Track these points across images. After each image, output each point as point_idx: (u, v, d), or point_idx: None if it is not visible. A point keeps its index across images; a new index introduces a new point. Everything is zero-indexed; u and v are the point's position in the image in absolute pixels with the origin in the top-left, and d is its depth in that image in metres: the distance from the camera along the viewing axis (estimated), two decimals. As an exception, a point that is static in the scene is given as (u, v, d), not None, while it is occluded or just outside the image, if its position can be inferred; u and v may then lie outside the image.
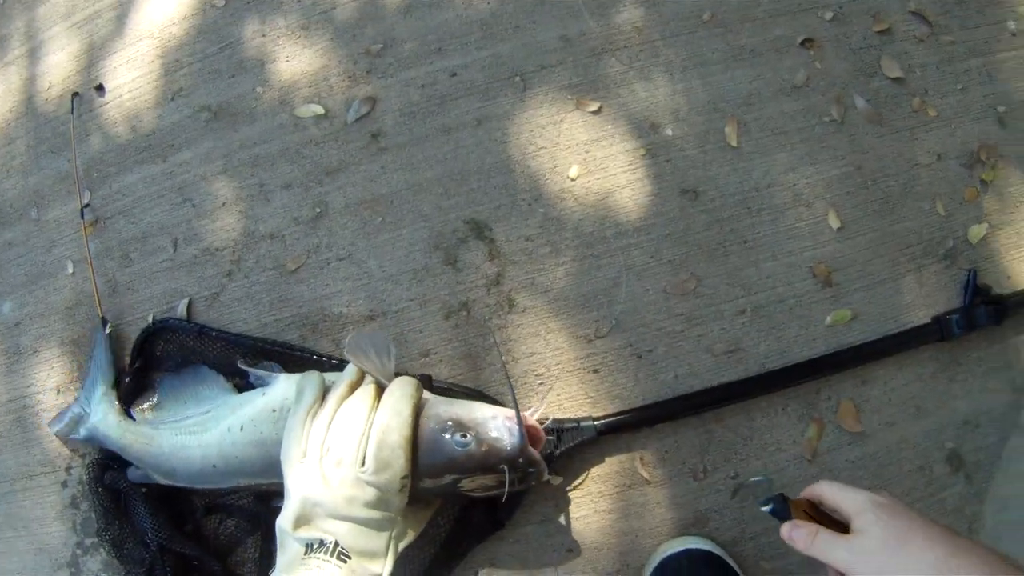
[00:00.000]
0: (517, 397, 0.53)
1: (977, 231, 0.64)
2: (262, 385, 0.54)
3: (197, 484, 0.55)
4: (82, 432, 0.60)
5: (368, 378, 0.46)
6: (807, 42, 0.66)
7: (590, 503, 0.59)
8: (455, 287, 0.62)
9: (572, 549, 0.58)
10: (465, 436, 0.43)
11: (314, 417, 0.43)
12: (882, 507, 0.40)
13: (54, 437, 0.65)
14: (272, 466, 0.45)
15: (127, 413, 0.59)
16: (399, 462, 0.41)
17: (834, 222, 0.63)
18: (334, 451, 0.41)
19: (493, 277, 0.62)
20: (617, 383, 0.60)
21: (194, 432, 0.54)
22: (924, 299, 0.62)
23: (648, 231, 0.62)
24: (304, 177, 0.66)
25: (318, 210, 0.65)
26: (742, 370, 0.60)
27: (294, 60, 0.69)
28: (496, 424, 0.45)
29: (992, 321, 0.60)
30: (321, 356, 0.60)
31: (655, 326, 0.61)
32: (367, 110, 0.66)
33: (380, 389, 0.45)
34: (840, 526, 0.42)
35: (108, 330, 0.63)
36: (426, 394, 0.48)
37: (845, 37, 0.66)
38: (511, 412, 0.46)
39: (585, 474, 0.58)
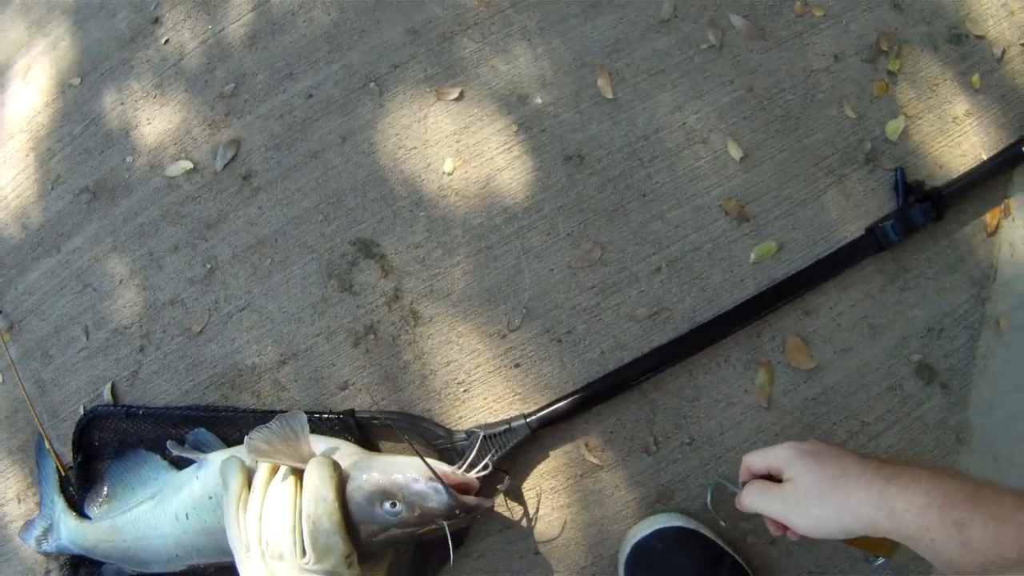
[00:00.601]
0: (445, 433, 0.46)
1: (895, 126, 0.54)
2: (195, 462, 0.48)
3: (168, 570, 0.49)
4: (53, 546, 0.56)
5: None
6: (666, -28, 0.56)
7: (545, 501, 0.50)
8: (356, 312, 0.53)
9: (539, 551, 0.49)
10: (395, 505, 0.40)
11: (244, 508, 0.40)
12: (808, 453, 0.36)
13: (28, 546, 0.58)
14: (226, 549, 0.42)
15: (83, 513, 0.54)
16: (338, 545, 0.38)
17: (735, 152, 0.53)
18: (272, 545, 0.38)
19: (391, 293, 0.53)
20: (543, 373, 0.50)
21: (150, 522, 0.49)
22: (853, 211, 0.52)
23: (539, 208, 0.52)
24: (188, 236, 0.58)
25: (208, 266, 0.57)
26: (671, 330, 0.50)
27: (155, 121, 0.60)
28: (419, 488, 0.40)
29: (931, 218, 0.50)
30: (245, 411, 0.52)
31: (568, 305, 0.51)
32: (233, 153, 0.57)
33: (300, 472, 0.40)
34: None
35: (47, 445, 0.56)
36: (345, 452, 0.43)
37: (706, -42, 0.56)
38: (437, 465, 0.41)
39: (532, 472, 0.49)
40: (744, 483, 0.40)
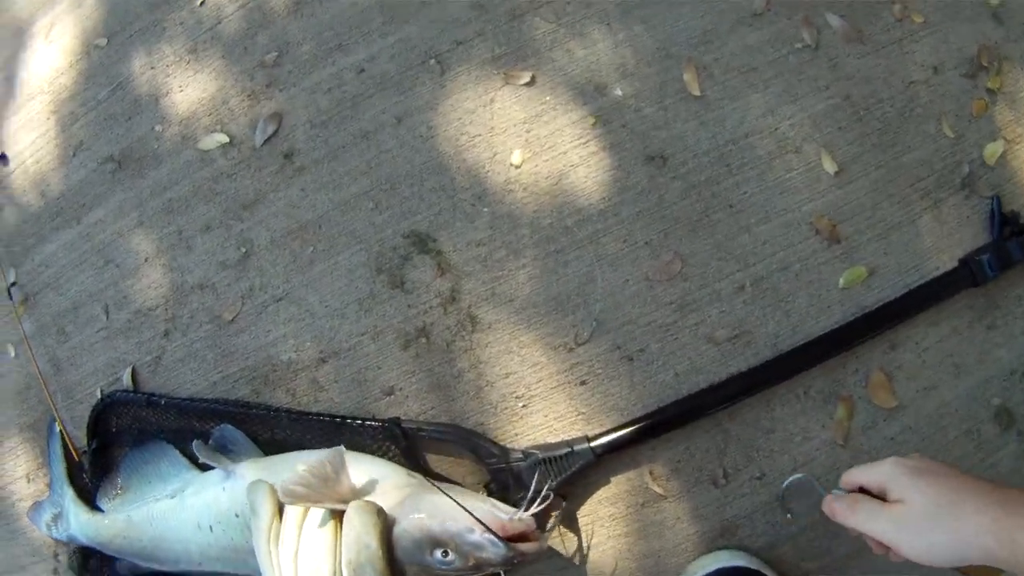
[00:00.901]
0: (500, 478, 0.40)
1: (993, 149, 0.47)
2: (221, 470, 0.42)
3: (189, 571, 0.44)
4: (63, 535, 0.49)
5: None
6: (763, -39, 0.49)
7: (602, 529, 0.43)
8: (408, 312, 0.46)
9: None
10: (447, 555, 0.35)
11: (276, 540, 0.35)
12: (918, 472, 0.31)
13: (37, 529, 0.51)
14: (256, 567, 0.38)
15: (94, 504, 0.47)
16: None
17: (829, 166, 0.46)
18: None
19: (448, 294, 0.46)
20: (610, 392, 0.44)
21: (170, 524, 0.43)
22: (946, 239, 0.46)
23: (616, 212, 0.45)
24: (222, 215, 0.50)
25: (243, 250, 0.49)
26: (752, 355, 0.44)
27: (188, 88, 0.52)
28: (474, 540, 0.35)
29: None
30: (278, 410, 0.45)
31: (643, 321, 0.44)
32: (274, 128, 0.49)
33: (339, 512, 0.36)
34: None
35: (59, 428, 0.50)
36: (389, 485, 0.37)
37: (804, -51, 0.49)
38: (493, 512, 0.36)
39: (591, 498, 0.43)
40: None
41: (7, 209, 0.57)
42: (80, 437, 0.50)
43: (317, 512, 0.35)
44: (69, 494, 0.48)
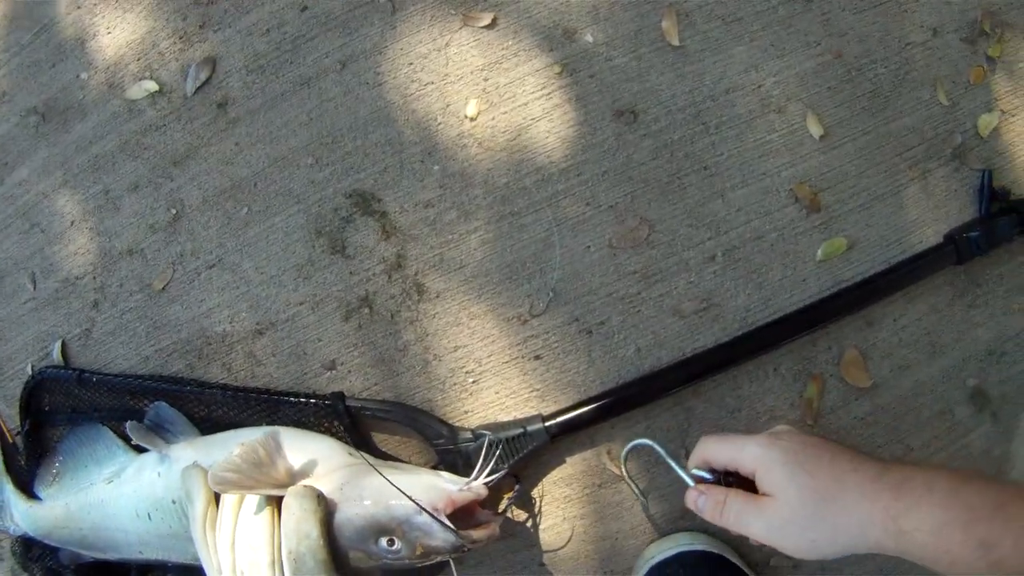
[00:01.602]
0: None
1: (987, 121, 0.39)
2: (155, 453, 0.36)
3: (132, 560, 0.37)
4: (8, 527, 0.42)
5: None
6: (753, -101, 0.39)
7: (556, 510, 0.37)
8: (349, 279, 0.37)
9: (544, 563, 0.36)
10: (392, 543, 0.29)
11: (213, 527, 0.30)
12: (792, 459, 0.25)
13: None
14: (195, 556, 0.32)
15: (33, 494, 0.40)
16: None
17: (815, 128, 0.37)
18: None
19: (393, 260, 0.37)
20: (567, 368, 0.36)
21: (108, 512, 0.37)
22: (933, 212, 0.38)
23: (578, 171, 0.37)
24: (150, 173, 0.40)
25: (174, 211, 0.40)
26: (720, 330, 0.36)
27: (116, 30, 0.42)
28: (421, 523, 0.29)
29: (1016, 232, 0.36)
30: (213, 386, 0.37)
31: (604, 291, 0.36)
32: (207, 75, 0.39)
33: (278, 498, 0.30)
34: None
35: None
36: (330, 467, 0.31)
37: None
38: (440, 485, 0.30)
39: (545, 479, 0.36)
40: (695, 469, 0.28)
41: (-71, 167, 0.47)
42: (14, 417, 0.42)
43: (253, 498, 0.29)
44: (7, 486, 0.41)
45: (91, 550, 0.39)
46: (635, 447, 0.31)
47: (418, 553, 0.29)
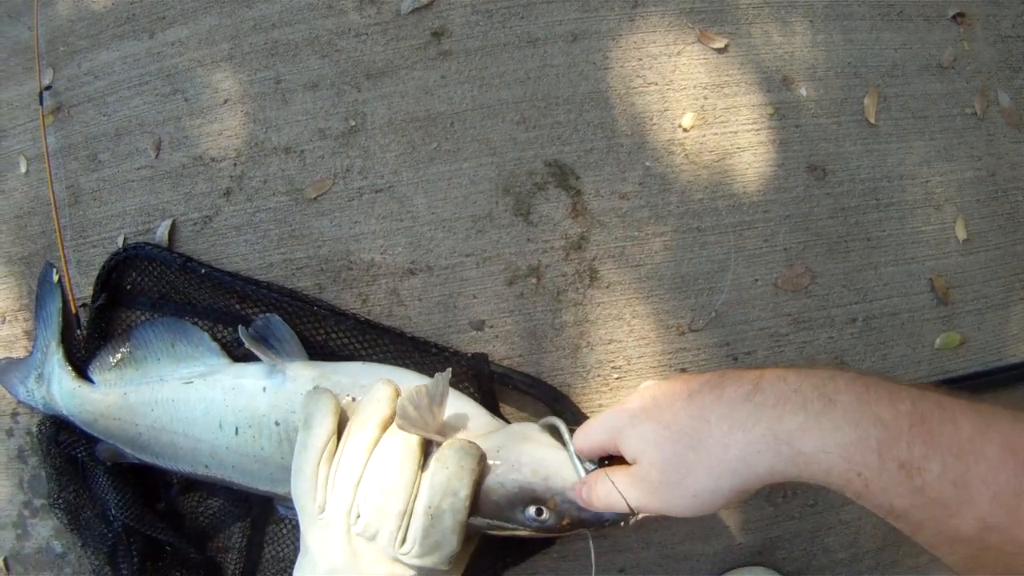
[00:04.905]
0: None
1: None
2: (264, 365, 0.33)
3: (184, 472, 0.35)
4: (38, 402, 0.38)
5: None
6: (959, 16, 0.44)
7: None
8: (525, 245, 0.38)
9: (624, 569, 0.38)
10: (541, 512, 0.29)
11: (330, 460, 0.28)
12: (642, 414, 0.23)
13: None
14: (275, 484, 0.32)
15: (85, 374, 0.37)
16: (451, 545, 0.27)
17: (961, 232, 0.43)
18: (366, 521, 0.27)
19: (575, 239, 0.39)
20: (700, 387, 0.40)
21: (179, 415, 0.34)
22: (1027, 330, 0.45)
23: (766, 208, 0.40)
24: (337, 77, 0.39)
25: (352, 123, 0.39)
26: (844, 388, 0.41)
27: (339, -83, 0.41)
28: (577, 496, 0.28)
29: None
30: (344, 314, 0.36)
31: (758, 324, 0.39)
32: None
33: (424, 441, 0.28)
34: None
35: (57, 277, 0.38)
36: (479, 425, 0.30)
37: (995, 20, 0.45)
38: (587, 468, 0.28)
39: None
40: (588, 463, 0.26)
41: (62, 0, 0.43)
42: (84, 286, 0.39)
43: (396, 439, 0.27)
44: (57, 354, 0.37)
45: (140, 451, 0.36)
46: (547, 423, 0.30)
47: (564, 523, 0.28)
